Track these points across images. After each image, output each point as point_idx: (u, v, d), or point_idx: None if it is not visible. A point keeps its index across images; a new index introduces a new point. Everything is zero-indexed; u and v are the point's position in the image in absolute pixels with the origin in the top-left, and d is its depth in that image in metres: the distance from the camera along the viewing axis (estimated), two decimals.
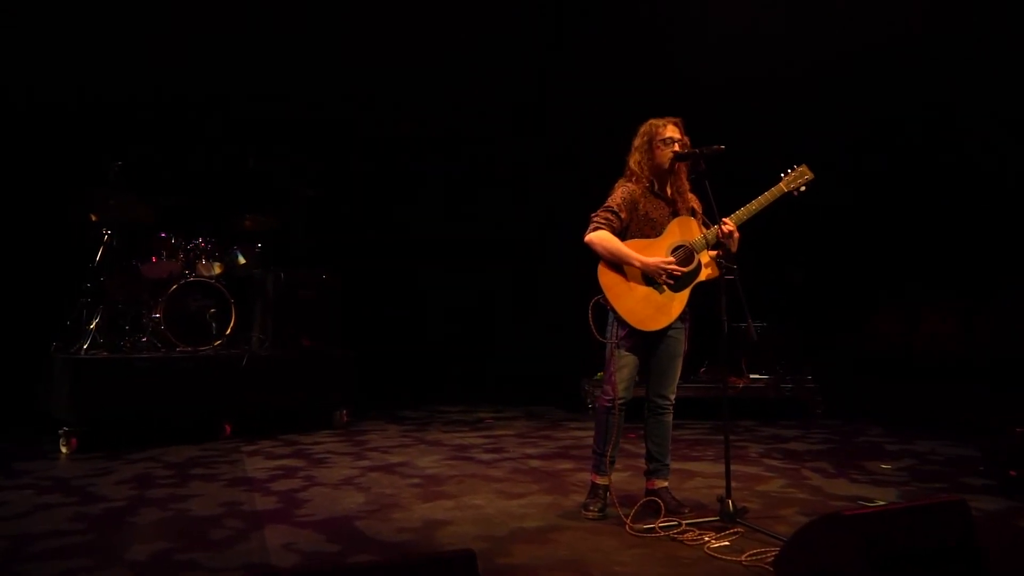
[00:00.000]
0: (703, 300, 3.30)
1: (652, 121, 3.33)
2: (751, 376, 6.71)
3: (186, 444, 4.96)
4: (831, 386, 6.80)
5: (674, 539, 2.90)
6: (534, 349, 8.31)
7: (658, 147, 3.25)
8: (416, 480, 4.03)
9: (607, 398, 3.23)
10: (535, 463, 4.53)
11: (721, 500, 3.06)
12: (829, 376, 6.88)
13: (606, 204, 3.27)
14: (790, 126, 6.81)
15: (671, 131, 3.27)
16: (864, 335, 7.86)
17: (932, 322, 7.39)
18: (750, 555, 2.66)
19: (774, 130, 6.72)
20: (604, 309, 3.21)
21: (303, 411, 5.77)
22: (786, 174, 3.26)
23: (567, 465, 4.45)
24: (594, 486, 3.31)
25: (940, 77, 6.68)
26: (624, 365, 3.19)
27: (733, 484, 3.76)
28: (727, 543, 2.83)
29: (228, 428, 5.29)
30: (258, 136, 7.27)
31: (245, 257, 6.18)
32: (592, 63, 7.73)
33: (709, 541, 2.83)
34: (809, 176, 3.24)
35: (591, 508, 3.24)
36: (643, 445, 3.43)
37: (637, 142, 3.35)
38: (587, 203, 3.41)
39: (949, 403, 6.44)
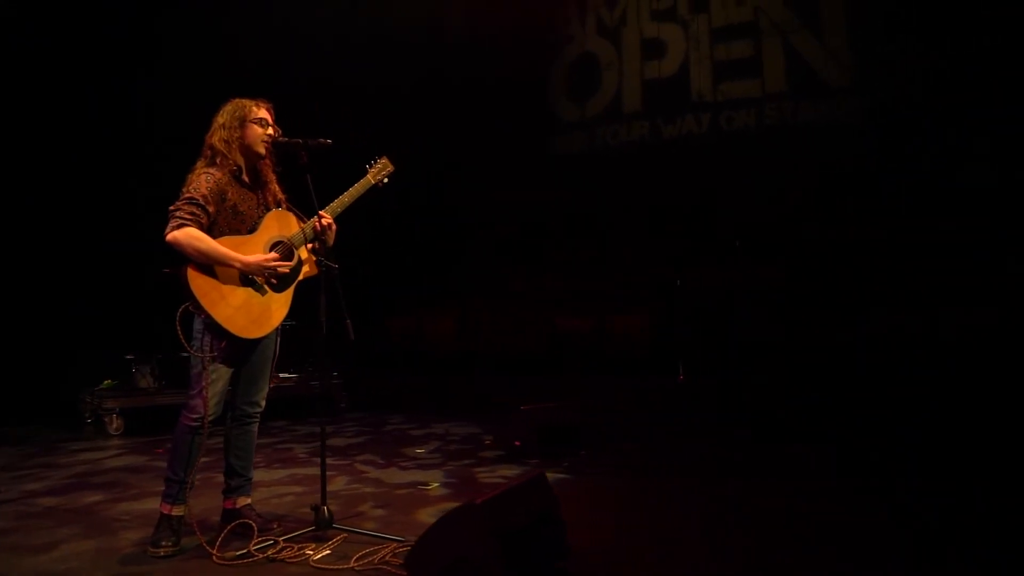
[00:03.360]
0: None
1: (241, 100, 2.99)
2: (280, 375, 6.61)
3: None
4: (353, 381, 7.21)
5: (274, 560, 2.66)
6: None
7: (250, 127, 2.94)
8: None
9: (194, 416, 2.77)
10: (50, 501, 3.59)
11: (316, 508, 2.93)
12: (351, 372, 7.27)
13: (188, 195, 2.78)
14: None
15: (264, 113, 3.00)
16: (381, 334, 8.52)
17: (434, 323, 8.45)
18: (359, 559, 2.62)
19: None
20: (191, 317, 2.75)
21: None
22: (371, 166, 3.28)
23: (96, 497, 3.66)
24: (165, 518, 2.78)
25: None
26: (218, 378, 2.80)
27: (300, 490, 3.69)
28: (329, 552, 2.73)
29: None
30: None
31: None
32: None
33: (312, 554, 2.69)
34: (391, 168, 3.32)
35: (163, 544, 2.72)
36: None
37: (223, 120, 2.96)
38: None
39: (451, 390, 7.48)
